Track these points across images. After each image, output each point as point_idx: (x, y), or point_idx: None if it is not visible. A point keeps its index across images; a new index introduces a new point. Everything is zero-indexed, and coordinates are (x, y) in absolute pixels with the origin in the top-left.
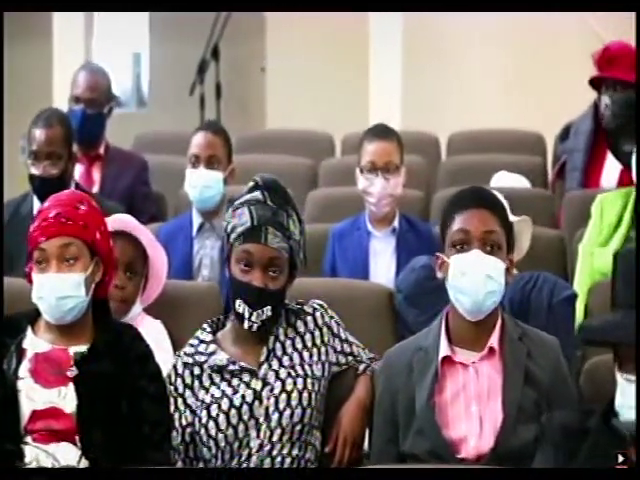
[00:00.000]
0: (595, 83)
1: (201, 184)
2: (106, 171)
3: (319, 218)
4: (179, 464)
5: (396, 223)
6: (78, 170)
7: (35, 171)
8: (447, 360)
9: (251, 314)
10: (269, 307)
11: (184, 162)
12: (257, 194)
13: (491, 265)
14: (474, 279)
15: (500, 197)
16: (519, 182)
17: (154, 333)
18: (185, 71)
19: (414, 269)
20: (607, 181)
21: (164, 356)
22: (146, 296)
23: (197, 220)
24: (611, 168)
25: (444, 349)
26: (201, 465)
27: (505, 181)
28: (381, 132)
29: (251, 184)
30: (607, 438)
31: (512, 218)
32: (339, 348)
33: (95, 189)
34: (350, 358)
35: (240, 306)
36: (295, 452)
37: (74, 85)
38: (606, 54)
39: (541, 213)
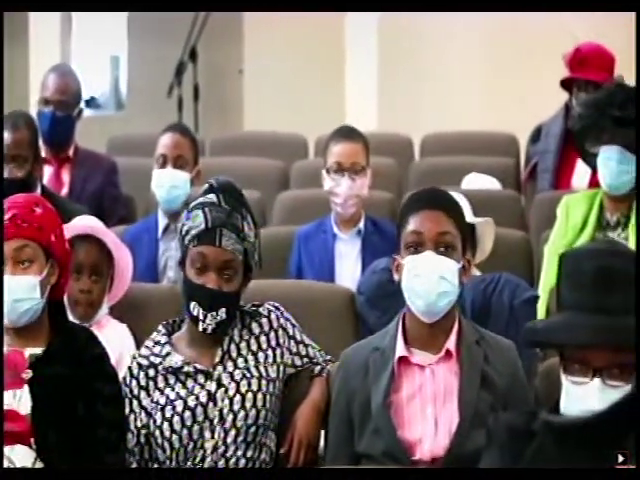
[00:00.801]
0: (567, 84)
1: (168, 184)
2: (75, 173)
3: (287, 220)
4: (134, 466)
5: (361, 225)
6: (47, 172)
7: None
8: (403, 361)
9: (205, 316)
10: (224, 309)
11: None
12: (212, 196)
13: (444, 266)
14: (427, 280)
15: (461, 198)
16: (490, 184)
17: (119, 337)
18: (163, 73)
19: (375, 271)
20: (578, 182)
21: (129, 359)
22: (112, 296)
23: (162, 221)
24: (582, 170)
25: (400, 350)
26: (156, 467)
27: (476, 183)
28: (347, 133)
29: (206, 186)
30: (552, 440)
31: (474, 219)
32: (294, 350)
33: (64, 191)
34: (305, 360)
35: (195, 308)
36: (250, 453)
37: (44, 87)
38: (577, 55)
39: (510, 214)
